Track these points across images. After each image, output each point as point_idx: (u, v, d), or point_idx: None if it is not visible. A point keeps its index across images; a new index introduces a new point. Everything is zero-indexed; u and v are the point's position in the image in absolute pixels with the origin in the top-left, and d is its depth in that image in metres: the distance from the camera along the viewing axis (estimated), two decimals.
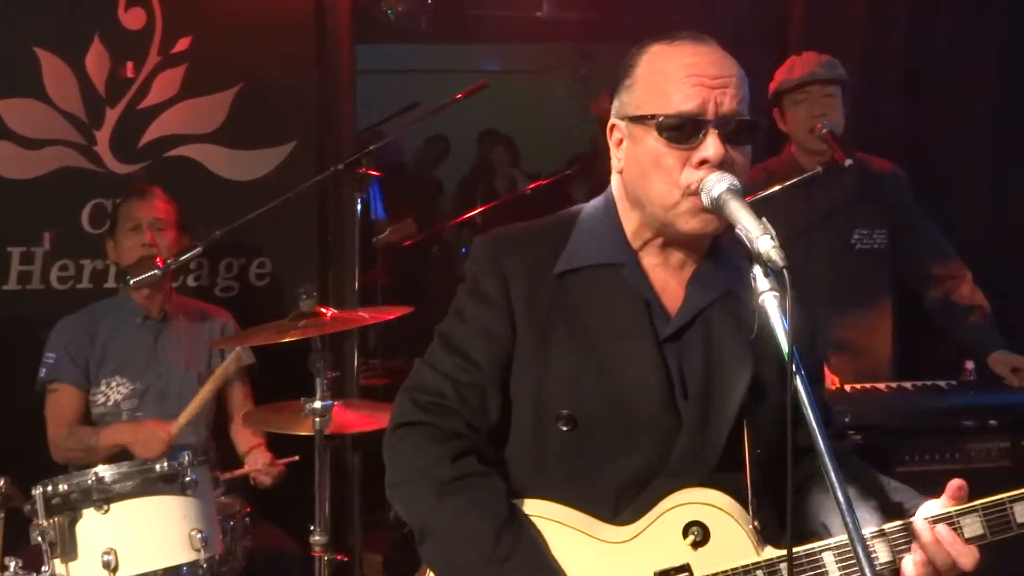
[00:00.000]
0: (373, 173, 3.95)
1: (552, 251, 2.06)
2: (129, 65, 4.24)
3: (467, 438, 2.04)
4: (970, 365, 3.81)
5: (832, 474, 1.66)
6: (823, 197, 3.88)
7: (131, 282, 3.53)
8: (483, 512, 1.95)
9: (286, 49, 4.38)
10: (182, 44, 4.28)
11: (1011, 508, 1.94)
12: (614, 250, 2.05)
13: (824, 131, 3.78)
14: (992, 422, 3.59)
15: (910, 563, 1.91)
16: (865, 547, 1.66)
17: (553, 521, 2.00)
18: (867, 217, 3.92)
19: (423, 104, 4.53)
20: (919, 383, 3.76)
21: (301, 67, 4.40)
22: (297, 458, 3.58)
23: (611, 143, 2.06)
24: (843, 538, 1.92)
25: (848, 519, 1.66)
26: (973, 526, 1.92)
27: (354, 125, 4.63)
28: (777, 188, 3.71)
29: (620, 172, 2.05)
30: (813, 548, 1.94)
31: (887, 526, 1.93)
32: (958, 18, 4.72)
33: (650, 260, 2.06)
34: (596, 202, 2.14)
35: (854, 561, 1.88)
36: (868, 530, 1.92)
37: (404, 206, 6.49)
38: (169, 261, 3.55)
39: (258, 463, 3.61)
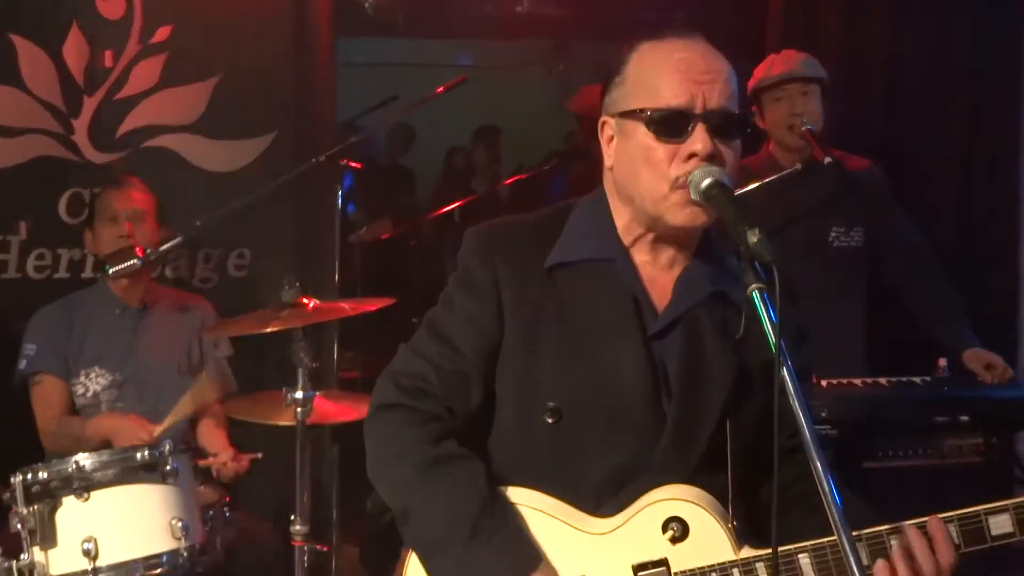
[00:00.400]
0: (354, 165, 3.95)
1: (544, 245, 2.07)
2: (108, 54, 4.21)
3: (447, 420, 2.05)
4: (943, 362, 3.84)
5: (818, 462, 1.69)
6: (800, 195, 3.89)
7: (110, 272, 3.51)
8: (464, 492, 1.97)
9: (266, 40, 4.36)
10: (161, 34, 4.26)
11: (986, 520, 1.93)
12: (606, 245, 2.07)
13: (804, 129, 3.81)
14: (964, 418, 3.63)
15: (884, 568, 1.90)
16: (852, 539, 1.68)
17: (535, 509, 2.01)
18: (844, 215, 3.94)
19: (402, 98, 4.54)
20: (894, 379, 3.79)
21: (281, 58, 4.39)
22: (260, 456, 3.56)
23: (602, 140, 2.07)
24: (820, 541, 1.92)
25: (834, 511, 1.68)
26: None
27: (334, 117, 4.62)
28: (756, 185, 3.73)
29: (611, 168, 2.06)
30: (790, 549, 1.95)
31: (863, 532, 1.93)
32: (936, 16, 4.76)
33: (640, 257, 2.07)
34: (588, 198, 2.15)
35: (831, 563, 1.91)
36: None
37: (378, 198, 6.49)
38: (149, 251, 3.52)
39: (222, 456, 3.58)
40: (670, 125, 1.94)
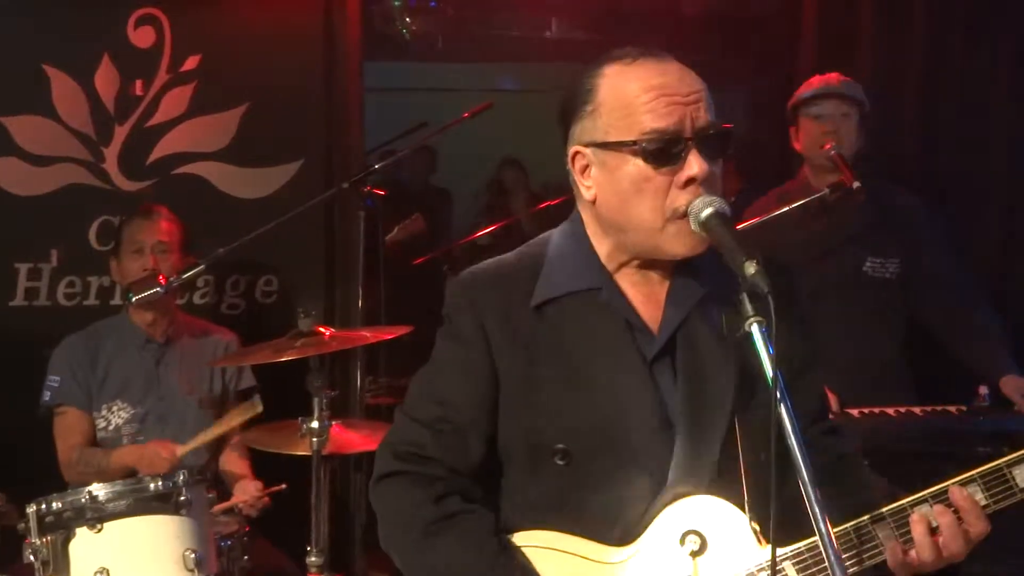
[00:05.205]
0: (379, 192, 3.93)
1: (526, 284, 2.02)
2: (138, 83, 4.26)
3: (449, 480, 2.02)
4: (984, 390, 3.74)
5: (805, 473, 1.69)
6: (837, 225, 3.85)
7: (133, 299, 3.53)
8: (472, 547, 1.93)
9: (295, 67, 4.39)
10: (191, 62, 4.30)
11: (1010, 473, 1.87)
12: (590, 274, 2.02)
13: (833, 152, 3.75)
14: (1005, 449, 3.52)
15: (896, 549, 1.86)
16: (836, 550, 1.69)
17: (547, 548, 1.97)
18: (881, 246, 3.89)
19: (431, 123, 4.53)
20: (928, 408, 3.70)
21: (309, 85, 4.41)
22: (284, 487, 3.55)
23: (574, 171, 2.01)
24: (841, 528, 1.89)
25: (819, 515, 1.69)
26: (975, 496, 1.87)
27: (362, 143, 4.62)
28: (785, 209, 3.68)
29: (592, 201, 2.00)
30: (813, 542, 1.89)
31: (885, 509, 1.89)
32: (975, 36, 4.68)
33: (628, 279, 2.02)
34: (564, 229, 2.10)
35: (857, 549, 1.87)
36: (868, 515, 1.90)
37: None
38: (172, 279, 3.54)
39: (247, 493, 3.58)
40: (663, 153, 1.88)
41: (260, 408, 3.59)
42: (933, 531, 1.86)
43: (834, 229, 3.86)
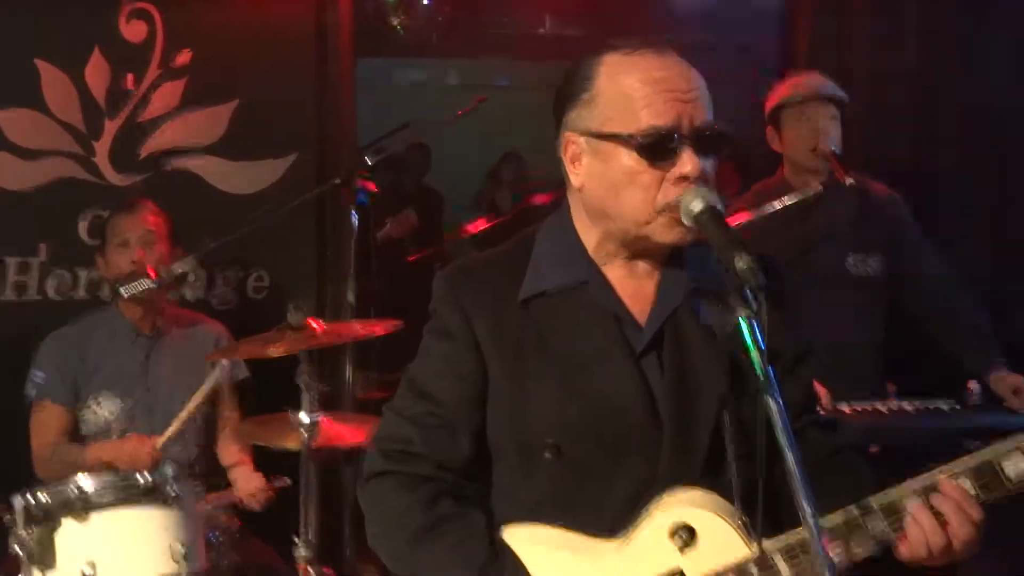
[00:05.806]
0: (371, 188, 3.92)
1: (513, 278, 2.01)
2: (129, 77, 4.26)
3: (439, 480, 2.00)
4: (974, 386, 3.74)
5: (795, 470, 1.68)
6: (817, 221, 3.83)
7: (122, 292, 3.50)
8: (460, 558, 1.92)
9: (286, 62, 4.39)
10: (183, 57, 4.30)
11: (999, 465, 1.84)
12: (577, 268, 2.01)
13: (827, 150, 3.74)
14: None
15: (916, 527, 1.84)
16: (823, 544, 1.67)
17: (538, 544, 1.96)
18: (862, 242, 3.87)
19: (424, 120, 4.54)
20: (919, 405, 3.71)
21: (301, 80, 4.42)
22: (288, 482, 3.55)
23: (564, 158, 1.99)
24: (831, 520, 1.87)
25: (806, 509, 1.67)
26: (964, 486, 1.85)
27: (355, 138, 4.62)
28: (776, 208, 3.68)
29: (580, 188, 1.98)
30: (805, 535, 1.84)
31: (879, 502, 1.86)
32: (964, 37, 4.69)
33: (616, 272, 2.01)
34: (552, 221, 2.08)
35: (847, 541, 1.84)
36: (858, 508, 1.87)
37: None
38: (162, 273, 3.52)
39: (250, 484, 3.56)
40: (658, 148, 1.86)
41: (240, 375, 3.68)
42: (935, 517, 1.84)
43: (815, 226, 3.84)
